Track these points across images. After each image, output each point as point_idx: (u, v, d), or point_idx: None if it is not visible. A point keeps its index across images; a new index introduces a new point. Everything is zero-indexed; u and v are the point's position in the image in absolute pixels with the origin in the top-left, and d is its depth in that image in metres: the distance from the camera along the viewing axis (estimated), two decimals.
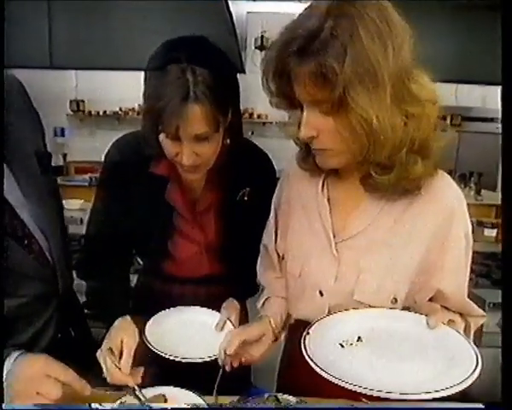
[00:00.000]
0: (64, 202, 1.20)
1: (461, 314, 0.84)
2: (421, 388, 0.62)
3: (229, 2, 1.96)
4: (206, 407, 0.80)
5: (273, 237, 0.97)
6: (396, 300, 0.79)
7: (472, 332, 0.85)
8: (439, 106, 0.74)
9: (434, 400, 0.61)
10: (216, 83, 0.82)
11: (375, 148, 0.70)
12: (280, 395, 0.80)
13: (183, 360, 0.87)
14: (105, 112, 5.20)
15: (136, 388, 0.84)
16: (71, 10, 2.95)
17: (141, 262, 1.26)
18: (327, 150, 0.75)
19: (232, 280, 1.08)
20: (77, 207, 2.98)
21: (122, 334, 0.90)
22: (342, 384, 0.63)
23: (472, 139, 4.82)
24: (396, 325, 0.75)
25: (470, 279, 0.84)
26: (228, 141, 0.93)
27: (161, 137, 0.86)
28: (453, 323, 0.79)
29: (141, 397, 0.82)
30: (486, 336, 1.72)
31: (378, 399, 0.62)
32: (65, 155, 5.18)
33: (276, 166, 1.11)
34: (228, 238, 1.05)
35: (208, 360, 0.88)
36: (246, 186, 1.04)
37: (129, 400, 0.83)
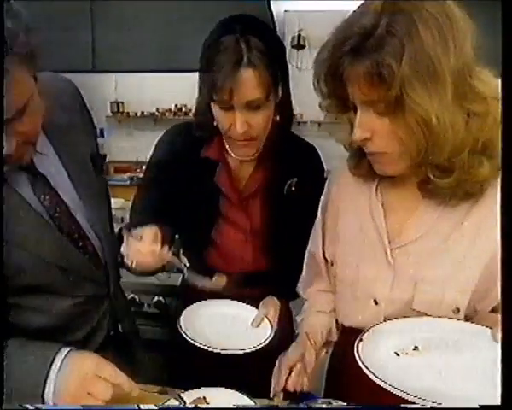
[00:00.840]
0: None
1: None
2: (477, 402, 0.58)
3: (271, 2, 1.95)
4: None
5: (320, 242, 0.95)
6: (458, 310, 0.75)
7: None
8: None
9: None
10: (268, 52, 0.87)
11: (434, 149, 0.67)
12: (333, 401, 0.78)
13: (223, 352, 0.85)
14: (142, 113, 5.28)
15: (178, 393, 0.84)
16: (111, 18, 3.09)
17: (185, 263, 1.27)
18: (382, 154, 0.72)
19: (276, 277, 1.06)
20: (118, 206, 3.06)
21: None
22: (396, 392, 0.61)
23: None
24: (456, 336, 0.72)
25: None
26: (278, 118, 0.95)
27: (215, 110, 0.91)
28: None
29: (182, 400, 0.83)
30: None
31: None
32: (105, 156, 5.33)
33: None
34: (273, 227, 1.05)
35: (249, 351, 0.87)
36: (293, 176, 1.04)
37: (172, 402, 0.83)
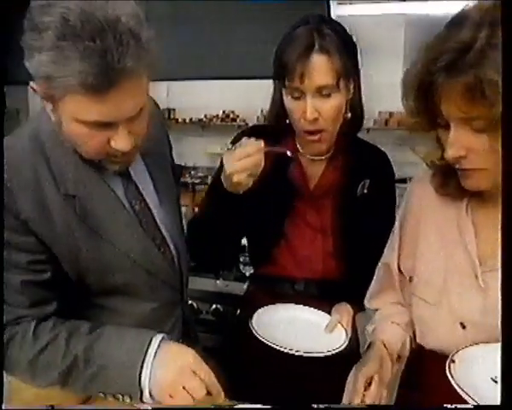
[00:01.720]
0: None
1: None
2: None
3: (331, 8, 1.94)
4: None
5: (396, 255, 0.92)
6: None
7: None
8: None
9: None
10: (340, 43, 0.89)
11: None
12: None
13: (305, 355, 0.84)
14: (191, 119, 5.42)
15: None
16: (163, 29, 3.20)
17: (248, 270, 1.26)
18: (477, 170, 0.69)
19: (346, 284, 1.04)
20: None
21: None
22: None
23: None
24: None
25: None
26: (349, 115, 0.96)
27: (287, 101, 0.93)
28: None
29: None
30: None
31: None
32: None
33: None
34: (344, 228, 1.04)
35: (329, 354, 0.86)
36: (366, 178, 1.03)
37: None
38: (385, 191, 1.06)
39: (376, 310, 0.98)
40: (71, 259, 0.81)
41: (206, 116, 5.45)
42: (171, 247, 0.95)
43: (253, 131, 1.09)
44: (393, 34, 3.30)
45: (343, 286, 1.04)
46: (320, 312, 1.00)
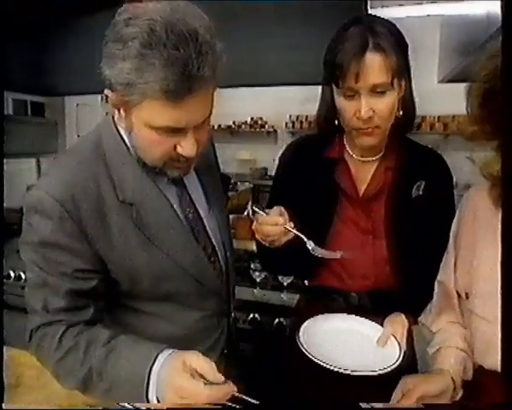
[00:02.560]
0: None
1: None
2: None
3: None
4: None
5: (452, 272, 0.89)
6: None
7: None
8: None
9: None
10: (393, 40, 0.88)
11: None
12: None
13: (353, 374, 0.80)
14: (220, 126, 5.46)
15: None
16: None
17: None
18: None
19: (401, 292, 0.99)
20: None
21: None
22: None
23: None
24: None
25: None
26: (400, 113, 0.95)
27: (339, 101, 0.92)
28: None
29: None
30: None
31: None
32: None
33: None
34: (398, 230, 0.99)
35: (381, 373, 0.82)
36: (420, 179, 1.00)
37: None
38: (442, 194, 1.01)
39: (436, 332, 0.94)
40: (125, 267, 0.82)
41: (234, 123, 5.47)
42: (220, 257, 0.96)
43: (303, 142, 1.11)
44: (428, 36, 3.23)
45: (397, 295, 0.99)
46: (372, 323, 0.96)
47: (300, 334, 0.90)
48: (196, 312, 0.93)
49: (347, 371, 0.80)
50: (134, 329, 0.89)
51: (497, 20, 1.53)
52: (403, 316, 0.98)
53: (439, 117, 4.70)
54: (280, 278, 1.76)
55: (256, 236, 0.92)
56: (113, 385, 0.76)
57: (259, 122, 5.40)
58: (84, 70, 2.36)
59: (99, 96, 4.00)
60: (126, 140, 0.83)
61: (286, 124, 5.30)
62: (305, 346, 0.86)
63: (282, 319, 1.67)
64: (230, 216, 1.28)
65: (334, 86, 0.93)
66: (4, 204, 2.99)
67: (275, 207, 0.90)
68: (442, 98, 4.32)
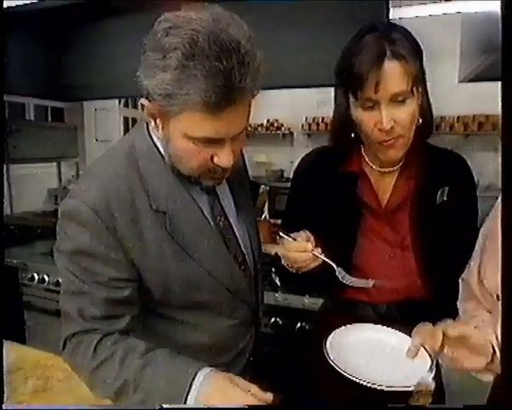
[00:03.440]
0: None
1: None
2: None
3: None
4: None
5: (476, 271, 0.87)
6: None
7: None
8: None
9: None
10: (410, 48, 0.85)
11: None
12: None
13: (387, 389, 0.76)
14: None
15: None
16: None
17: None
18: None
19: (432, 302, 0.96)
20: None
21: None
22: None
23: None
24: None
25: None
26: (420, 121, 0.91)
27: (357, 114, 0.89)
28: None
29: None
30: None
31: None
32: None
33: None
34: (425, 240, 0.96)
35: (413, 389, 0.77)
36: (444, 185, 0.97)
37: None
38: (466, 197, 0.98)
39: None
40: (158, 275, 0.82)
41: (250, 125, 5.47)
42: (250, 265, 0.96)
43: (319, 156, 1.07)
44: (449, 35, 3.18)
45: (426, 304, 0.96)
46: (402, 334, 0.92)
47: (328, 346, 0.87)
48: (226, 320, 0.93)
49: (381, 387, 0.77)
50: (165, 336, 0.90)
51: None
52: (431, 326, 0.95)
53: (458, 117, 4.62)
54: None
55: (282, 262, 0.90)
56: (148, 396, 0.75)
57: (275, 124, 5.40)
58: (102, 75, 2.42)
59: (117, 101, 4.08)
60: (160, 148, 0.83)
61: (302, 126, 5.29)
62: (332, 357, 0.84)
63: (304, 324, 1.65)
64: None
65: (351, 98, 0.90)
66: (27, 208, 3.05)
67: (301, 233, 0.88)
68: (462, 98, 4.25)
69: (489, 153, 4.05)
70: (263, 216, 2.93)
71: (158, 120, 0.76)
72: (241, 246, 0.94)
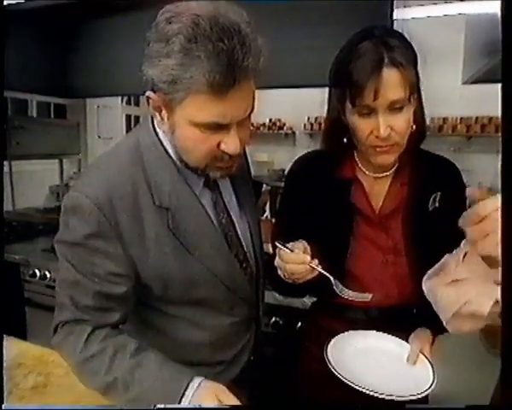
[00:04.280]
0: None
1: None
2: None
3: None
4: None
5: None
6: None
7: None
8: None
9: None
10: (407, 55, 0.85)
11: None
12: None
13: (388, 398, 0.76)
14: None
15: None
16: None
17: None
18: None
19: (425, 307, 0.97)
20: None
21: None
22: None
23: None
24: None
25: None
26: (414, 127, 0.91)
27: (353, 120, 0.89)
28: None
29: None
30: None
31: None
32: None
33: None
34: (418, 245, 0.96)
35: (418, 397, 0.78)
36: (436, 191, 0.97)
37: None
38: (458, 203, 0.98)
39: None
40: (157, 272, 0.83)
41: (252, 124, 5.45)
42: (251, 263, 0.96)
43: (312, 160, 1.06)
44: (452, 36, 3.17)
45: (420, 311, 0.97)
46: (397, 339, 0.94)
47: (329, 352, 0.88)
48: (226, 317, 0.93)
49: (391, 397, 0.77)
50: (165, 333, 0.90)
51: None
52: (428, 331, 0.96)
53: (461, 119, 4.61)
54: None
55: (279, 272, 0.89)
56: (139, 397, 0.76)
57: (278, 124, 5.40)
58: (105, 72, 2.43)
59: (119, 99, 4.08)
60: (164, 143, 0.83)
61: (304, 125, 5.28)
62: (333, 364, 0.85)
63: (304, 324, 1.64)
64: None
65: (347, 104, 0.89)
66: (29, 205, 3.05)
67: (298, 243, 0.87)
68: (465, 100, 4.25)
69: (491, 155, 4.04)
70: (264, 215, 2.93)
71: (163, 112, 0.76)
72: (243, 244, 0.94)
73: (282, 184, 1.11)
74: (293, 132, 5.42)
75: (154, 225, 0.80)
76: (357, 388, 0.79)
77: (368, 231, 0.99)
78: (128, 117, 4.44)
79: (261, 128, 5.45)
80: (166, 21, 0.69)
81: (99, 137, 3.53)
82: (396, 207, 0.98)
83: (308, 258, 0.84)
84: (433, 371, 0.86)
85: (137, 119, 4.44)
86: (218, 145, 0.76)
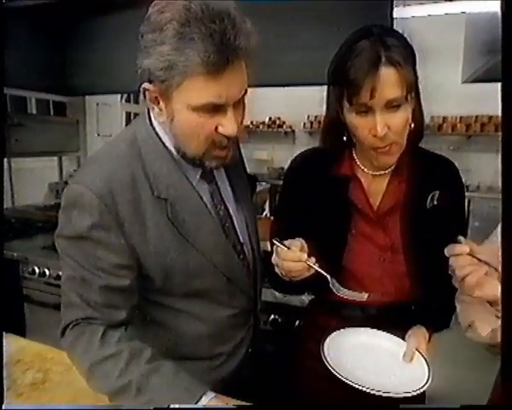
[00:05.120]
0: None
1: None
2: None
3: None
4: None
5: None
6: None
7: None
8: None
9: None
10: (405, 53, 0.85)
11: None
12: None
13: (385, 395, 0.77)
14: None
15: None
16: None
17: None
18: None
19: (422, 304, 0.98)
20: None
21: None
22: None
23: None
24: None
25: None
26: (412, 126, 0.92)
27: (351, 119, 0.89)
28: None
29: None
30: None
31: None
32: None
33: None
34: (416, 243, 0.97)
35: (413, 395, 0.79)
36: (434, 189, 0.97)
37: None
38: (456, 201, 0.99)
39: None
40: (158, 262, 0.83)
41: (252, 123, 5.49)
42: (248, 254, 0.97)
43: (311, 157, 1.06)
44: (452, 35, 3.17)
45: (417, 309, 0.98)
46: (393, 337, 0.94)
47: (325, 349, 0.88)
48: (225, 309, 0.94)
49: (389, 394, 0.78)
50: (164, 326, 0.91)
51: None
52: (423, 328, 0.96)
53: (461, 117, 4.61)
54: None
55: (276, 269, 0.89)
56: (149, 403, 0.75)
57: (277, 122, 5.40)
58: (104, 70, 2.42)
59: (119, 96, 4.07)
60: (161, 136, 0.84)
61: (304, 124, 5.29)
62: (329, 361, 0.85)
63: (303, 321, 1.65)
64: None
65: (345, 102, 0.89)
66: (29, 202, 3.05)
67: (296, 241, 0.87)
68: (465, 98, 4.25)
69: (491, 154, 4.05)
70: (264, 213, 2.94)
71: (160, 102, 0.77)
72: (240, 236, 0.95)
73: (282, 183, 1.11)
74: (293, 131, 5.43)
75: (153, 216, 0.81)
76: (353, 385, 0.79)
77: (366, 229, 0.99)
78: (128, 114, 4.44)
79: (261, 126, 5.46)
80: (159, 12, 0.71)
81: (98, 134, 3.53)
82: (394, 205, 0.98)
83: (305, 256, 0.85)
84: (429, 369, 0.86)
85: (137, 116, 4.43)
86: (216, 129, 0.78)
